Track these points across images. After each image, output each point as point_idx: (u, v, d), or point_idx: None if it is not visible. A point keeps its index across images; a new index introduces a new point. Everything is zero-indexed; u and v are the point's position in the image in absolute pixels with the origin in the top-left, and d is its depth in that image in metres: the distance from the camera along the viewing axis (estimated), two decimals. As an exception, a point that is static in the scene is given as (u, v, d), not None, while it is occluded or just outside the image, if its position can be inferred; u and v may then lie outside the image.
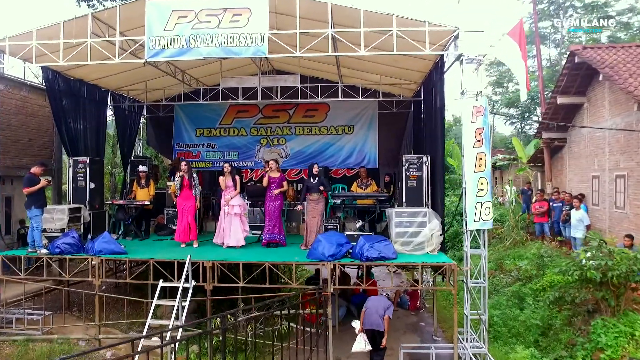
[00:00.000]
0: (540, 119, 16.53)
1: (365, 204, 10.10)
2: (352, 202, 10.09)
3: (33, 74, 10.28)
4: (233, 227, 9.12)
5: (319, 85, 12.16)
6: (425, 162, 9.65)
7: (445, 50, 8.19)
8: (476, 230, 7.74)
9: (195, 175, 9.37)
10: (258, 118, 13.74)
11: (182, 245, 9.28)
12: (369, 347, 6.84)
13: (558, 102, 13.12)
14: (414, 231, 8.52)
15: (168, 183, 11.64)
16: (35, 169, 8.48)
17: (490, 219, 7.61)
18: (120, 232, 10.43)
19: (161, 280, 7.74)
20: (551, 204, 13.09)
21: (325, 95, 12.17)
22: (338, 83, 12.10)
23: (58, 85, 10.26)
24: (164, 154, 14.19)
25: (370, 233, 9.60)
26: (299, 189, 12.30)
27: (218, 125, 13.84)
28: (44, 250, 8.32)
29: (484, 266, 7.67)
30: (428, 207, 9.54)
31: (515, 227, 14.32)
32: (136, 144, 13.77)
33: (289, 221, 11.52)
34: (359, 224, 9.80)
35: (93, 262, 8.05)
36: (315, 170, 9.27)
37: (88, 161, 10.15)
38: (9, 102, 10.64)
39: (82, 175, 10.14)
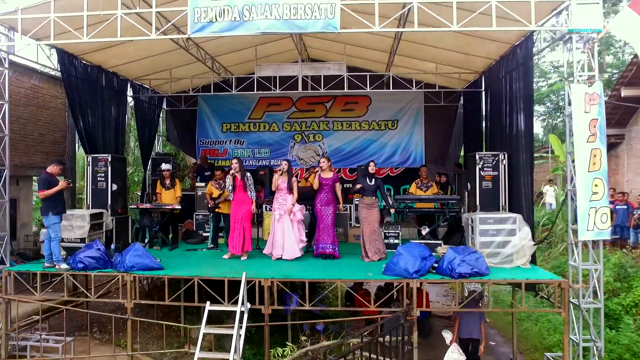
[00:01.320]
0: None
1: (427, 207, 8.84)
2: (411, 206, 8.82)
3: (46, 56, 8.80)
4: (288, 236, 7.79)
5: (367, 74, 10.83)
6: (502, 161, 8.37)
7: (542, 27, 6.91)
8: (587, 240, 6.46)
9: (249, 174, 8.02)
10: (291, 112, 12.41)
11: (226, 257, 7.95)
12: (463, 358, 6.29)
13: (622, 95, 11.91)
14: (503, 240, 7.25)
15: (197, 184, 10.29)
16: (52, 168, 7.11)
17: (608, 228, 6.33)
18: (146, 242, 9.07)
19: (208, 303, 6.40)
20: (612, 206, 11.88)
21: (373, 87, 10.83)
22: (381, 73, 10.85)
23: (75, 72, 8.88)
24: (186, 151, 12.79)
25: (440, 242, 8.36)
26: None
27: (247, 120, 12.50)
28: (64, 265, 6.94)
29: (599, 284, 6.39)
30: (505, 211, 8.33)
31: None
32: (155, 140, 12.36)
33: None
34: (424, 230, 8.53)
35: (125, 280, 6.67)
36: (371, 168, 7.94)
37: (110, 159, 8.77)
38: (17, 91, 9.23)
39: (102, 175, 8.77)
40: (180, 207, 8.92)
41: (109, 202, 8.71)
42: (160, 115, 12.52)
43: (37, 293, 6.89)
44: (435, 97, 11.92)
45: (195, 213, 10.06)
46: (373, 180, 7.86)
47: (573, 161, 6.38)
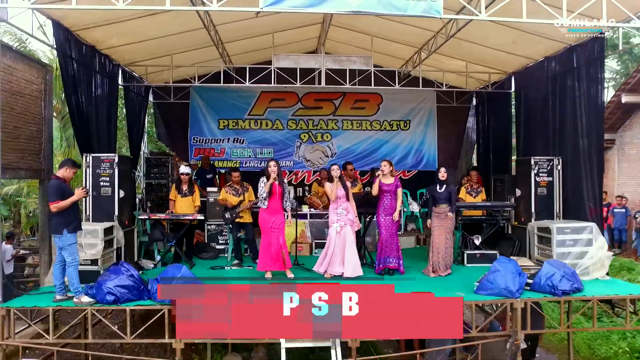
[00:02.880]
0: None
1: (477, 215, 8.26)
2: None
3: (38, 26, 6.99)
4: (350, 251, 6.76)
5: (375, 69, 10.04)
6: (557, 166, 8.00)
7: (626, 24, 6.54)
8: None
9: (286, 180, 6.83)
10: (297, 108, 11.28)
11: (269, 276, 6.74)
12: None
13: (622, 101, 12.25)
14: (580, 251, 6.86)
15: (209, 189, 8.86)
16: (63, 172, 5.52)
17: None
18: (158, 260, 7.57)
19: (283, 341, 5.25)
20: (610, 209, 12.21)
21: (385, 84, 10.02)
22: (392, 69, 10.13)
23: (70, 51, 7.18)
24: (176, 150, 11.11)
25: (495, 252, 7.79)
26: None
27: (247, 116, 11.16)
28: (87, 299, 5.38)
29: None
30: (560, 219, 7.98)
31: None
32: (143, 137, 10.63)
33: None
34: (477, 240, 7.92)
35: (173, 313, 5.27)
36: (442, 175, 7.16)
37: (116, 160, 7.15)
38: None
39: (107, 179, 7.13)
40: (202, 217, 7.53)
41: (116, 213, 7.09)
42: (147, 109, 10.78)
43: (49, 336, 5.26)
44: (448, 98, 11.48)
45: (207, 223, 8.64)
46: (444, 187, 7.08)
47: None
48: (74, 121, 7.35)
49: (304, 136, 11.31)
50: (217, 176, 10.17)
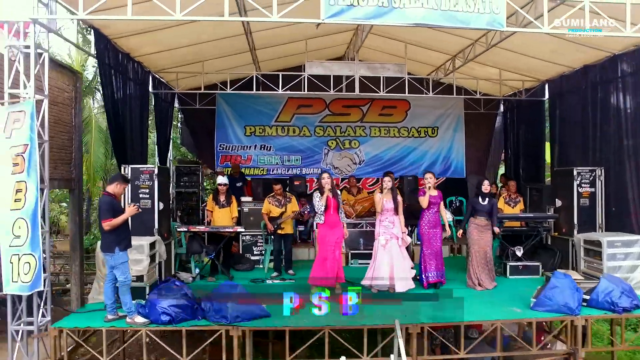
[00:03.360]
0: None
1: (517, 226, 8.15)
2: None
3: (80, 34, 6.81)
4: (399, 264, 6.62)
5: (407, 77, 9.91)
6: (600, 176, 7.88)
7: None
8: None
9: (339, 192, 6.69)
10: (324, 115, 11.14)
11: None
12: None
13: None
14: (632, 265, 6.75)
15: (244, 199, 8.71)
16: (114, 188, 5.35)
17: None
18: (197, 273, 7.41)
19: (343, 358, 5.11)
20: None
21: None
22: (420, 76, 10.02)
23: (108, 59, 7.02)
24: (202, 157, 10.94)
25: (538, 264, 7.68)
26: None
27: (274, 123, 11.01)
28: (140, 319, 5.22)
29: None
30: (602, 230, 7.87)
31: None
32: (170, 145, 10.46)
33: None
34: (519, 251, 7.80)
35: (231, 334, 5.12)
36: (486, 188, 7.02)
37: (156, 171, 6.98)
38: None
39: (147, 191, 6.95)
40: (243, 229, 7.38)
41: (156, 226, 6.93)
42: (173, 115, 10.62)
43: (103, 358, 5.10)
44: (475, 104, 11.35)
45: (242, 234, 8.47)
46: (487, 199, 6.96)
47: None
48: (112, 131, 7.20)
49: (332, 143, 11.16)
50: (246, 184, 10.03)
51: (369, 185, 11.05)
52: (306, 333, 5.38)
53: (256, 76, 9.23)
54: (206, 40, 7.85)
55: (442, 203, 7.02)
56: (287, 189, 10.45)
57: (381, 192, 6.83)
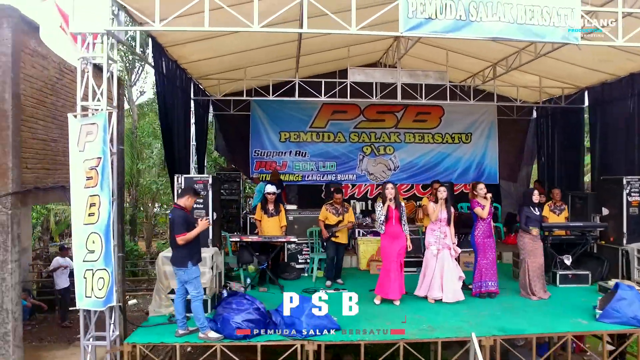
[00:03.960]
0: None
1: (565, 235, 8.11)
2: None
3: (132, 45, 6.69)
4: (450, 275, 6.58)
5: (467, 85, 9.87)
6: (649, 185, 7.86)
7: None
8: None
9: (403, 203, 6.63)
10: (359, 121, 11.10)
11: (377, 301, 6.53)
12: None
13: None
14: (690, 277, 6.72)
15: (289, 206, 8.66)
16: (185, 201, 5.30)
17: None
18: (248, 283, 7.36)
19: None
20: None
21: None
22: (454, 83, 9.99)
23: (162, 67, 6.95)
24: (236, 163, 10.89)
25: (587, 272, 7.65)
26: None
27: (308, 129, 10.97)
28: (214, 334, 5.17)
29: None
30: (650, 240, 7.84)
31: None
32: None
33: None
34: (568, 260, 7.77)
35: (306, 348, 5.08)
36: (536, 198, 6.98)
37: (210, 181, 6.93)
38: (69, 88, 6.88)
39: (201, 201, 6.89)
40: (295, 239, 7.34)
41: (210, 236, 6.87)
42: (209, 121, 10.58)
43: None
44: (508, 110, 11.33)
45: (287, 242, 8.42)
46: (537, 209, 6.94)
47: None
48: (166, 141, 7.14)
49: (367, 149, 11.12)
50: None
51: (403, 192, 11.01)
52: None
53: (298, 82, 9.16)
54: (255, 47, 7.79)
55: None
56: (323, 195, 10.47)
57: (435, 201, 6.80)
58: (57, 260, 10.41)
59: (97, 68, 5.54)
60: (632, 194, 7.85)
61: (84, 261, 5.01)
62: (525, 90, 10.26)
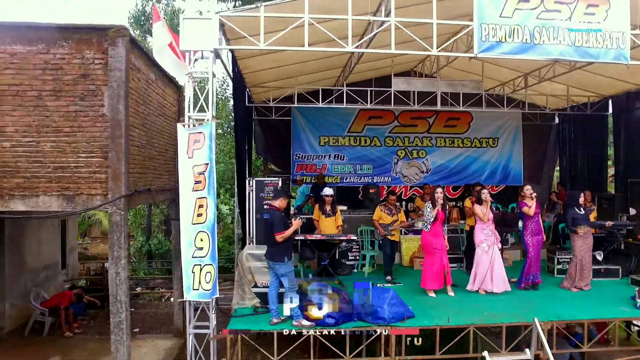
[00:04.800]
0: None
1: (595, 233, 8.81)
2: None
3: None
4: (499, 268, 7.28)
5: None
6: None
7: None
8: None
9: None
10: (393, 126, 11.75)
11: (431, 294, 7.18)
12: None
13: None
14: None
15: (340, 207, 9.24)
16: (280, 203, 5.93)
17: None
18: (310, 279, 7.94)
19: (486, 353, 5.75)
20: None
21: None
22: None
23: (236, 78, 7.54)
24: (278, 165, 11.51)
25: (617, 267, 8.37)
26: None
27: (346, 134, 11.60)
28: (307, 322, 5.77)
29: None
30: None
31: None
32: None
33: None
34: (600, 256, 8.49)
35: (389, 333, 5.71)
36: (582, 201, 7.68)
37: (280, 183, 7.53)
38: (154, 98, 7.41)
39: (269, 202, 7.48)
40: (355, 237, 7.96)
41: (279, 235, 7.46)
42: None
43: (274, 357, 5.65)
44: (531, 116, 12.04)
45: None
46: (582, 209, 7.63)
47: None
48: (239, 147, 7.68)
49: (401, 153, 11.77)
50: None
51: (435, 193, 11.65)
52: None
53: (346, 90, 9.79)
54: (313, 59, 8.39)
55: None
56: (360, 196, 11.09)
57: (479, 203, 7.46)
58: (110, 259, 10.93)
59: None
60: (652, 195, 8.60)
61: (192, 257, 5.59)
62: (552, 98, 10.98)
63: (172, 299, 12.80)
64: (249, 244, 7.58)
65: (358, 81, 10.67)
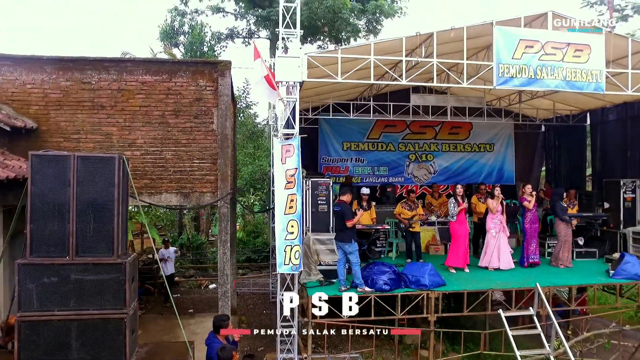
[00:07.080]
0: None
1: (576, 222, 10.91)
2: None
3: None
4: (504, 249, 9.26)
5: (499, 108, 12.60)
6: (639, 186, 10.78)
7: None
8: None
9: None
10: (406, 133, 13.65)
11: (452, 270, 9.10)
12: None
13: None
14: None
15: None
16: (346, 197, 7.78)
17: None
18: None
19: (501, 311, 7.70)
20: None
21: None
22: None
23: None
24: (306, 167, 13.25)
25: (595, 250, 10.46)
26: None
27: (365, 140, 13.45)
28: (368, 289, 7.61)
29: None
30: (638, 225, 10.75)
31: None
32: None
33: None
34: (581, 241, 10.59)
35: (430, 297, 7.60)
36: (566, 196, 9.78)
37: (331, 183, 9.33)
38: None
39: (324, 199, 9.24)
40: (388, 226, 9.81)
41: (331, 225, 9.25)
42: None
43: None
44: (522, 125, 14.14)
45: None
46: (565, 204, 9.72)
47: None
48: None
49: (412, 156, 13.69)
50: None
51: (442, 191, 13.62)
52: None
53: (372, 105, 11.67)
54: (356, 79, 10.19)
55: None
56: (378, 194, 12.94)
57: (492, 198, 9.42)
58: (162, 252, 12.46)
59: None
60: (627, 192, 10.75)
61: (285, 240, 7.33)
62: (540, 111, 13.08)
63: (210, 286, 14.45)
64: (306, 232, 9.33)
65: (378, 94, 12.53)
